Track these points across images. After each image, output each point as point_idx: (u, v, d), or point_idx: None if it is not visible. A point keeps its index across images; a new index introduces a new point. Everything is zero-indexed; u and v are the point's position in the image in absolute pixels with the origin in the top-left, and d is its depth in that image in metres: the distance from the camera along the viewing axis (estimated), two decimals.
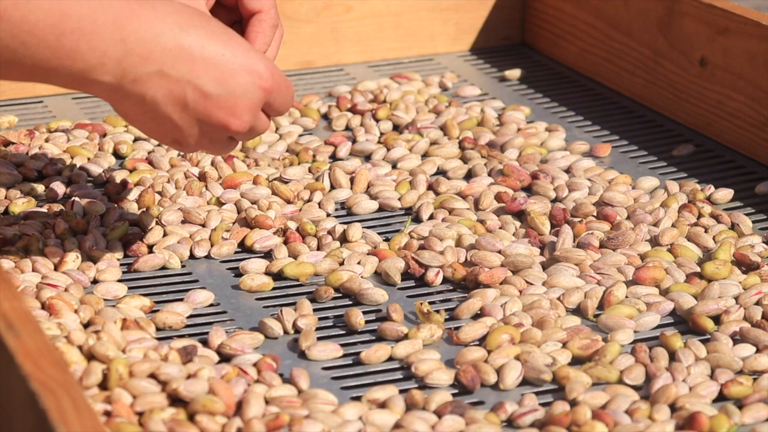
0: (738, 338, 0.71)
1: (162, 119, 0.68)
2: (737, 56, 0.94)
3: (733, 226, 0.83)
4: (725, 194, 0.88)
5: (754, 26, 0.92)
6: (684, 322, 0.73)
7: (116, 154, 0.94)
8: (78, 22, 0.63)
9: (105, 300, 0.74)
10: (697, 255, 0.80)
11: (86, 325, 0.71)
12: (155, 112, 0.67)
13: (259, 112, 0.70)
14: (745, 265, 0.78)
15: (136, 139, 0.97)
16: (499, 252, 0.79)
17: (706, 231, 0.82)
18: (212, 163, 0.91)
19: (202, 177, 0.90)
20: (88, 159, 0.93)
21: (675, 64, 1.00)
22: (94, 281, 0.77)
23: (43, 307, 0.72)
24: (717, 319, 0.73)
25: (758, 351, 0.69)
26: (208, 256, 0.81)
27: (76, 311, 0.72)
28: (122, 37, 0.64)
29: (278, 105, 0.70)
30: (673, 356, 0.69)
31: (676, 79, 1.00)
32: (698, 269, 0.77)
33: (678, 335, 0.70)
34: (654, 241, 0.81)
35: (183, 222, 0.84)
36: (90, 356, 0.67)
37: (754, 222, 0.84)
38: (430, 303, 0.75)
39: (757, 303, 0.74)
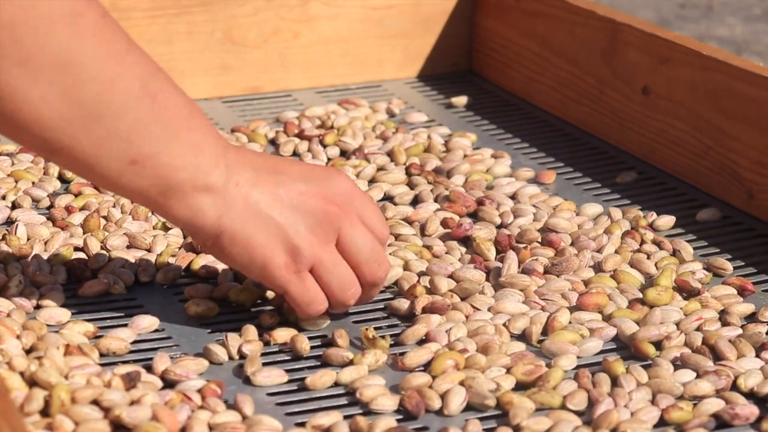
0: (679, 364, 0.72)
1: (266, 223, 0.69)
2: (679, 85, 0.96)
3: (674, 253, 0.84)
4: (667, 221, 0.89)
5: (696, 56, 0.94)
6: (626, 348, 0.74)
7: (61, 178, 0.94)
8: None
9: (48, 326, 0.74)
10: (640, 281, 0.81)
11: (28, 351, 0.71)
12: (257, 218, 0.69)
13: (355, 216, 0.71)
14: (686, 292, 0.79)
15: None
16: (450, 276, 0.79)
17: (648, 257, 0.83)
18: None
19: None
20: (33, 183, 0.92)
21: (619, 92, 1.01)
22: (37, 306, 0.76)
23: None
24: (658, 345, 0.74)
25: (698, 376, 0.70)
26: (153, 281, 0.80)
27: (18, 337, 0.71)
28: (224, 152, 0.70)
29: (367, 209, 0.72)
30: (615, 381, 0.70)
31: (620, 108, 1.01)
32: (640, 295, 0.78)
33: (620, 361, 0.71)
34: (597, 267, 0.82)
35: (128, 247, 0.84)
36: (32, 382, 0.66)
37: (695, 249, 0.86)
38: (376, 329, 0.75)
39: (698, 329, 0.75)
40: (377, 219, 0.73)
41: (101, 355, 0.72)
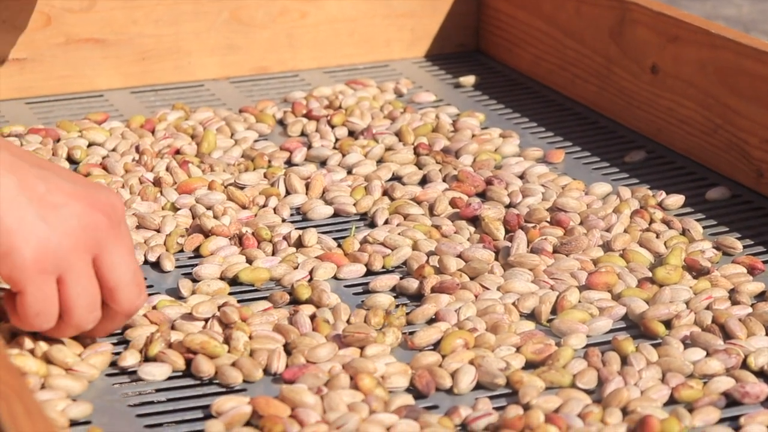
0: (689, 342, 0.72)
1: (21, 212, 0.61)
2: (688, 64, 0.95)
3: (684, 232, 0.84)
4: (676, 200, 0.89)
5: (704, 34, 0.94)
6: (636, 327, 0.74)
7: (70, 159, 0.94)
8: None
9: None
10: (649, 260, 0.81)
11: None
12: (11, 203, 0.61)
13: (122, 233, 0.64)
14: (696, 270, 0.79)
15: (89, 144, 0.96)
16: (459, 256, 0.79)
17: (657, 236, 0.83)
18: (167, 169, 0.91)
19: (157, 182, 0.89)
20: None
21: (627, 71, 1.01)
22: None
23: None
24: (668, 324, 0.74)
25: (708, 355, 0.70)
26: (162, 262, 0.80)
27: None
28: None
29: (128, 235, 0.65)
30: (625, 360, 0.70)
31: (628, 86, 1.01)
32: (650, 274, 0.78)
33: (630, 339, 0.71)
34: (606, 247, 0.82)
35: (137, 227, 0.84)
36: (48, 361, 0.67)
37: (704, 228, 0.85)
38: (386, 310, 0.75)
39: (707, 308, 0.75)
40: (132, 250, 0.65)
41: (112, 334, 0.72)
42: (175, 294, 0.76)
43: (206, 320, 0.72)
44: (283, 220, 0.86)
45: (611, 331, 0.74)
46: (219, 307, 0.73)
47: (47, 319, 0.63)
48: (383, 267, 0.80)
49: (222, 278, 0.78)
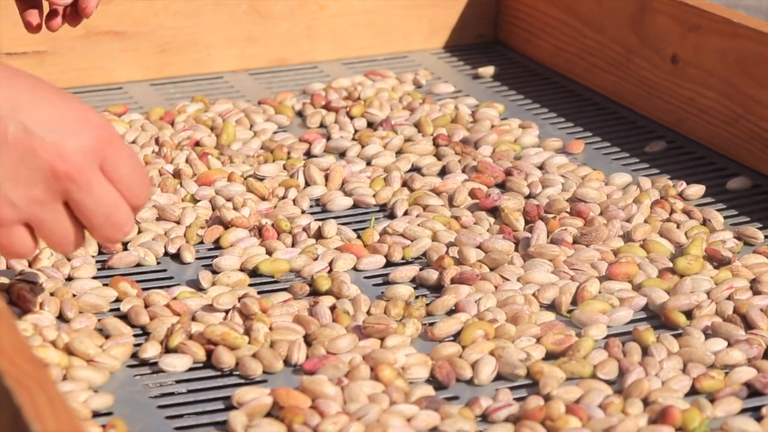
0: (710, 333, 0.72)
1: None
2: (709, 53, 0.95)
3: (704, 222, 0.84)
4: (697, 190, 0.89)
5: (725, 24, 0.93)
6: (656, 317, 0.74)
7: None
8: None
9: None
10: (669, 250, 0.80)
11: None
12: None
13: (96, 168, 0.63)
14: (717, 261, 0.79)
15: None
16: (479, 247, 0.79)
17: (678, 227, 0.83)
18: (187, 161, 0.91)
19: (177, 174, 0.89)
20: None
21: (647, 60, 1.00)
22: (69, 278, 0.77)
23: (17, 303, 0.72)
24: (689, 314, 0.73)
25: (729, 345, 0.70)
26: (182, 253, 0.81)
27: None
28: None
29: (120, 166, 0.64)
30: (645, 351, 0.70)
31: (648, 76, 1.00)
32: (670, 264, 0.78)
33: (651, 330, 0.71)
34: (627, 237, 0.82)
35: (158, 219, 0.84)
36: (69, 353, 0.67)
37: (725, 218, 0.85)
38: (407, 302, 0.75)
39: (729, 298, 0.75)
40: (131, 178, 0.65)
41: (133, 326, 0.72)
42: (196, 285, 0.76)
43: (226, 311, 0.72)
44: (303, 212, 0.86)
45: (632, 321, 0.74)
46: (239, 299, 0.73)
47: (21, 256, 0.65)
48: (403, 258, 0.80)
49: (242, 270, 0.78)
